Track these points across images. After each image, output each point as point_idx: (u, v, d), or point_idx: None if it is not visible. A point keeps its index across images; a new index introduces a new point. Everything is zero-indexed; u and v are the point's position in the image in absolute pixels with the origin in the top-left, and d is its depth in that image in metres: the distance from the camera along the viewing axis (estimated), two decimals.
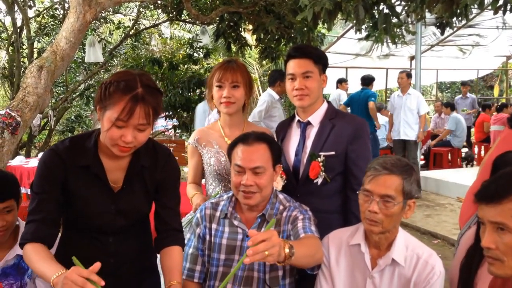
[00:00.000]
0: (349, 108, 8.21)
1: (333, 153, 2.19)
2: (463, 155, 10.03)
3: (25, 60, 8.85)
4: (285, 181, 2.32)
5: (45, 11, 9.44)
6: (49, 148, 1.74)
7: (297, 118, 2.35)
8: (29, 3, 8.14)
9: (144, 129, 1.58)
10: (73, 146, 1.70)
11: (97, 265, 1.39)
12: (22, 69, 8.37)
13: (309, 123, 2.29)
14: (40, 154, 7.09)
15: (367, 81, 7.97)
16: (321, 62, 2.25)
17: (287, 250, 1.58)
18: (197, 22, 8.61)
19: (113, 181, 1.74)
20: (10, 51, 9.13)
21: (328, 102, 2.34)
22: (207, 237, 2.01)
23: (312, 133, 2.28)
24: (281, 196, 2.06)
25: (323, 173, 2.18)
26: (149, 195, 1.81)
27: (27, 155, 8.60)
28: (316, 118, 2.28)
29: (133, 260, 1.83)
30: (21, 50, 8.67)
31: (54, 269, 1.48)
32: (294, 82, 2.24)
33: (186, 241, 2.06)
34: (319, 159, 2.18)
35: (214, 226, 2.02)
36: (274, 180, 2.04)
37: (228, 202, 2.04)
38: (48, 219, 1.65)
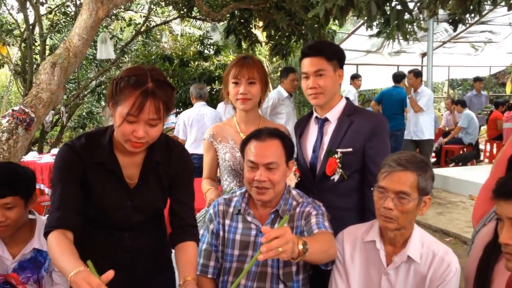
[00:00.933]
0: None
1: (350, 149, 2.17)
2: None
3: (37, 57, 8.91)
4: (299, 178, 2.32)
5: (57, 8, 9.50)
6: (65, 143, 1.75)
7: (315, 114, 2.33)
8: (41, 0, 8.19)
9: (155, 124, 1.58)
10: (88, 143, 1.70)
11: (110, 274, 1.35)
12: (35, 66, 8.43)
13: (326, 119, 2.27)
14: (53, 150, 7.16)
15: (399, 78, 7.91)
16: (336, 58, 2.22)
17: (300, 247, 1.58)
18: (208, 19, 8.61)
19: (128, 177, 1.74)
20: (22, 48, 9.19)
21: (347, 99, 2.32)
22: (221, 233, 2.02)
23: (329, 129, 2.26)
24: (294, 192, 2.07)
25: (340, 170, 2.17)
26: (164, 190, 1.81)
27: (40, 151, 8.67)
28: (333, 114, 2.26)
29: (149, 255, 1.84)
30: (33, 47, 8.72)
31: (72, 265, 1.43)
32: (307, 80, 2.22)
33: (199, 237, 2.07)
34: (336, 155, 2.16)
35: (227, 222, 2.02)
36: (287, 176, 2.03)
37: (241, 198, 2.05)
38: (72, 206, 1.64)
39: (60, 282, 2.03)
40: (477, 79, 11.45)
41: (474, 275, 1.71)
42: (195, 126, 5.71)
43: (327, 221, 1.93)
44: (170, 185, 1.82)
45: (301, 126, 2.41)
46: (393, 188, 1.71)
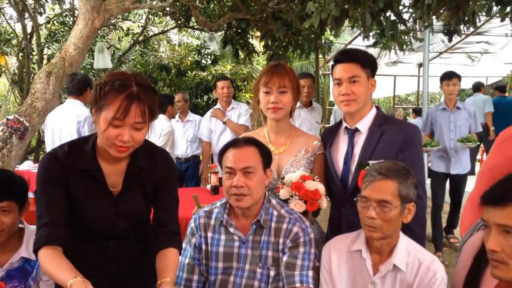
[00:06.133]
0: None
1: (382, 161, 2.01)
2: None
3: (35, 66, 8.94)
4: (330, 201, 2.20)
5: (55, 18, 9.55)
6: (47, 152, 1.75)
7: (344, 124, 2.26)
8: (39, 10, 8.24)
9: (140, 128, 1.58)
10: (71, 151, 1.70)
11: None
12: (32, 75, 8.45)
13: (357, 129, 2.20)
14: None
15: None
16: (370, 66, 2.16)
17: None
18: (205, 29, 8.66)
19: (112, 185, 1.74)
20: (20, 58, 9.23)
21: (377, 108, 2.25)
22: (203, 246, 1.99)
23: (360, 140, 2.19)
24: (273, 201, 2.04)
25: None
26: (148, 197, 1.80)
27: (36, 160, 8.65)
28: (364, 124, 2.19)
29: (135, 264, 1.83)
30: (31, 57, 8.76)
31: (70, 274, 1.48)
32: (340, 87, 2.15)
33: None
34: (368, 167, 2.02)
35: (209, 234, 2.00)
36: (266, 184, 2.00)
37: (222, 209, 2.02)
38: (59, 221, 1.64)
39: None
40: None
41: (463, 284, 1.71)
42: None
43: (312, 268, 1.89)
44: (154, 191, 1.81)
45: (330, 137, 2.31)
46: (375, 197, 1.72)
